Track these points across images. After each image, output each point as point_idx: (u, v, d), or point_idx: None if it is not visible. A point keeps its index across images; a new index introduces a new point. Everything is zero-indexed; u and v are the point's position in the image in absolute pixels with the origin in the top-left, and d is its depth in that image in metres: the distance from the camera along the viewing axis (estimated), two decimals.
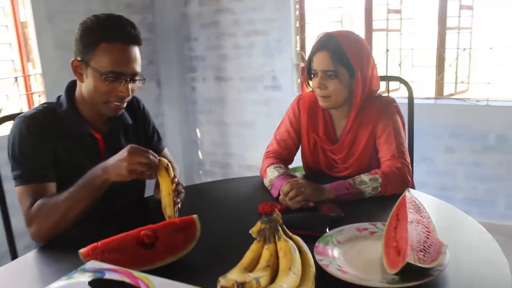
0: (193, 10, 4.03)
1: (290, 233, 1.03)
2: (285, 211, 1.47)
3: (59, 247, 1.36)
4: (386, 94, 2.06)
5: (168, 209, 1.31)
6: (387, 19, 3.62)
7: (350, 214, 1.41)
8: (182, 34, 4.12)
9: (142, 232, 1.16)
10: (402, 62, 3.53)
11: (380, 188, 1.54)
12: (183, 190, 1.48)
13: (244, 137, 4.11)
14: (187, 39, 4.13)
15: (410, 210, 1.13)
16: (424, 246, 1.01)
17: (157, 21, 4.05)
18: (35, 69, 3.16)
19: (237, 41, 3.91)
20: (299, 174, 1.81)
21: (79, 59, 1.46)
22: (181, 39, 4.12)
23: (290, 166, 1.88)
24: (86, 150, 1.54)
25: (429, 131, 3.28)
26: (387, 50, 3.57)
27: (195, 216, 1.23)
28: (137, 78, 1.50)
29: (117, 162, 1.31)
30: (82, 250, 1.10)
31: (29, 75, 3.15)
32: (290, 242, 1.00)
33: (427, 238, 1.05)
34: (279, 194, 1.55)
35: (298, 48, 3.78)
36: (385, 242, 1.11)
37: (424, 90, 3.78)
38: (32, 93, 3.16)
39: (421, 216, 1.14)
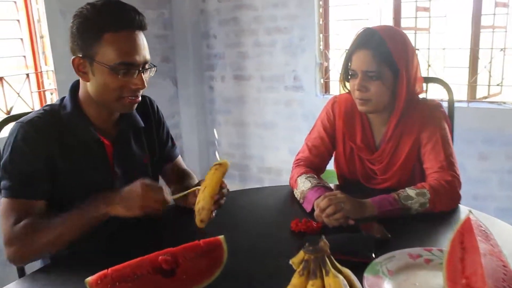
0: (212, 6, 3.89)
1: (339, 266, 0.86)
2: (321, 229, 1.30)
3: (59, 268, 1.22)
4: (425, 97, 1.88)
5: (205, 213, 1.20)
6: (416, 17, 3.44)
7: (396, 234, 1.23)
8: (200, 30, 3.98)
9: (160, 257, 0.99)
10: (432, 63, 3.33)
11: (428, 204, 1.36)
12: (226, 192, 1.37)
13: (263, 139, 3.97)
14: (205, 36, 3.99)
15: (479, 238, 0.95)
16: (504, 286, 0.83)
17: (174, 17, 3.91)
18: (48, 65, 3.03)
19: (257, 38, 3.76)
20: (332, 185, 1.63)
21: (80, 56, 1.30)
22: (199, 36, 3.98)
23: None
24: (93, 157, 1.39)
25: (460, 136, 3.03)
26: (416, 50, 3.37)
27: (221, 237, 1.07)
28: (148, 66, 1.34)
29: (129, 199, 1.22)
30: (89, 279, 0.93)
31: (41, 72, 3.01)
32: (341, 277, 0.82)
33: (505, 274, 0.87)
34: (313, 209, 1.38)
35: (322, 47, 3.61)
36: (448, 276, 0.93)
37: (455, 92, 3.57)
38: (44, 91, 3.03)
39: (491, 245, 0.96)
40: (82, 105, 1.39)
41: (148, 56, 1.32)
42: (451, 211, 1.40)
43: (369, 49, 1.45)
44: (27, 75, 2.93)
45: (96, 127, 1.39)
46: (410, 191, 1.38)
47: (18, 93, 2.88)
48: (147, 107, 1.57)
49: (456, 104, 3.11)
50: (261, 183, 4.03)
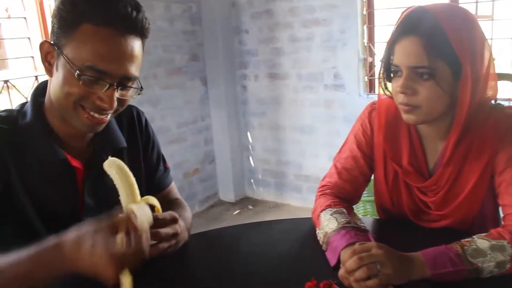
0: None
1: None
2: None
3: None
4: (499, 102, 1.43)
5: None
6: (476, 2, 3.02)
7: None
8: (231, 25, 3.73)
9: None
10: (497, 56, 2.85)
11: (509, 264, 0.93)
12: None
13: (301, 144, 3.67)
14: (236, 31, 3.73)
15: None
16: None
17: (202, 11, 3.66)
18: None
19: (293, 32, 3.48)
20: (370, 221, 1.22)
21: (51, 42, 1.00)
22: (229, 31, 3.73)
23: None
24: (57, 183, 1.08)
25: None
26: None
27: None
28: (130, 84, 1.02)
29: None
30: None
31: None
32: None
33: None
34: (338, 262, 0.99)
35: (366, 40, 3.28)
36: None
37: None
38: None
39: None
40: (47, 114, 1.08)
41: (133, 71, 1.00)
42: None
43: (418, 36, 1.02)
44: (36, 77, 2.69)
45: (64, 144, 1.09)
46: (481, 242, 0.95)
47: (26, 98, 2.64)
48: (133, 122, 1.24)
49: None
50: (299, 192, 3.76)
